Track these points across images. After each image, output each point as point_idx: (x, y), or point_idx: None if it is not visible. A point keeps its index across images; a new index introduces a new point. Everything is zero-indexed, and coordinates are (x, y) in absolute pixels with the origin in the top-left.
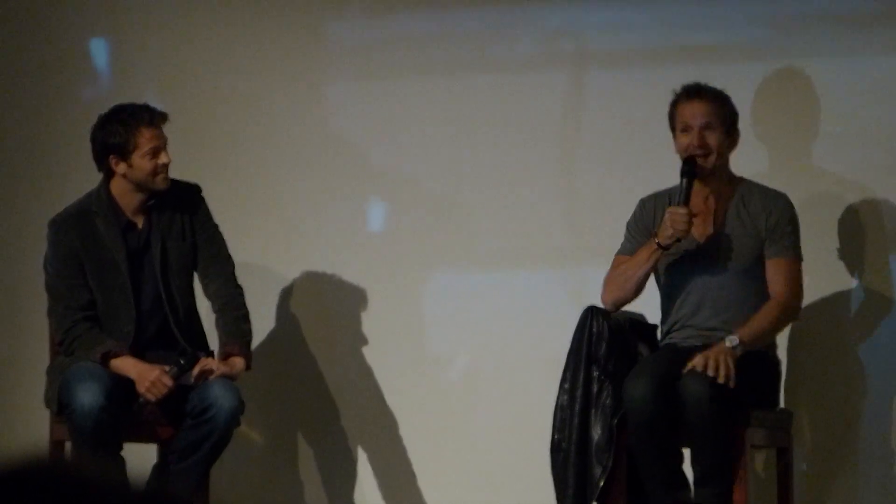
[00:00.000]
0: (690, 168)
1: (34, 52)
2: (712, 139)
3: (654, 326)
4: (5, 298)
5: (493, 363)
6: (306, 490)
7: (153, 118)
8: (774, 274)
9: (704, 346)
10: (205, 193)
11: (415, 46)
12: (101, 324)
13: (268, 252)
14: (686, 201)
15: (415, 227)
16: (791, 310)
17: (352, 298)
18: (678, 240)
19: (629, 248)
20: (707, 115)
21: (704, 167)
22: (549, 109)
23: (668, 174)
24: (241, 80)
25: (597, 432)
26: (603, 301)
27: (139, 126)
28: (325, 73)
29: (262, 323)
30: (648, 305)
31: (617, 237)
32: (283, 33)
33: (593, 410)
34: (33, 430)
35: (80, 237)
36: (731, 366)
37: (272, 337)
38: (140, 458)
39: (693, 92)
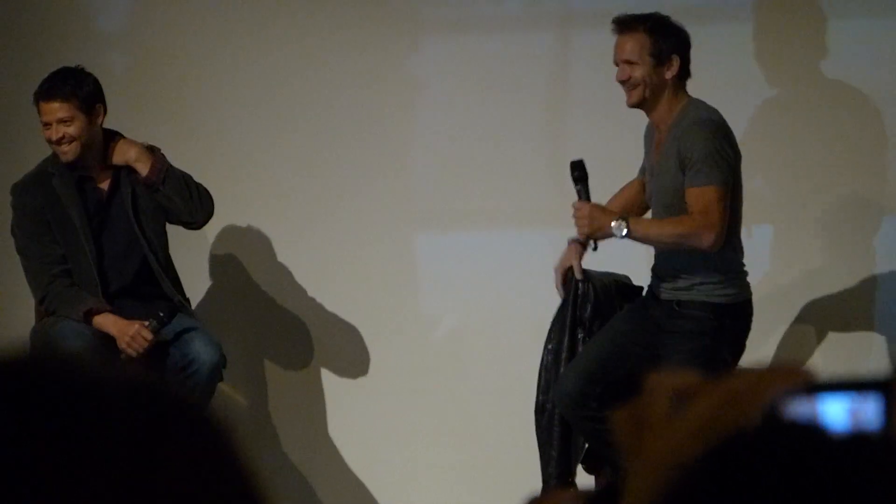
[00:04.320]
0: (577, 172)
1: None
2: (637, 72)
3: (640, 288)
4: None
5: (480, 323)
6: (286, 445)
7: (49, 92)
8: (687, 203)
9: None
10: (169, 149)
11: (402, 6)
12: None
13: (254, 207)
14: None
15: (402, 186)
16: (698, 227)
17: (338, 258)
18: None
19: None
20: (629, 50)
21: (632, 102)
22: (535, 69)
23: None
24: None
25: None
26: None
27: (37, 100)
28: (302, 25)
29: (245, 281)
30: (635, 267)
31: (603, 197)
32: None
33: None
34: None
35: (42, 197)
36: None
37: (255, 292)
38: None
39: (616, 25)
